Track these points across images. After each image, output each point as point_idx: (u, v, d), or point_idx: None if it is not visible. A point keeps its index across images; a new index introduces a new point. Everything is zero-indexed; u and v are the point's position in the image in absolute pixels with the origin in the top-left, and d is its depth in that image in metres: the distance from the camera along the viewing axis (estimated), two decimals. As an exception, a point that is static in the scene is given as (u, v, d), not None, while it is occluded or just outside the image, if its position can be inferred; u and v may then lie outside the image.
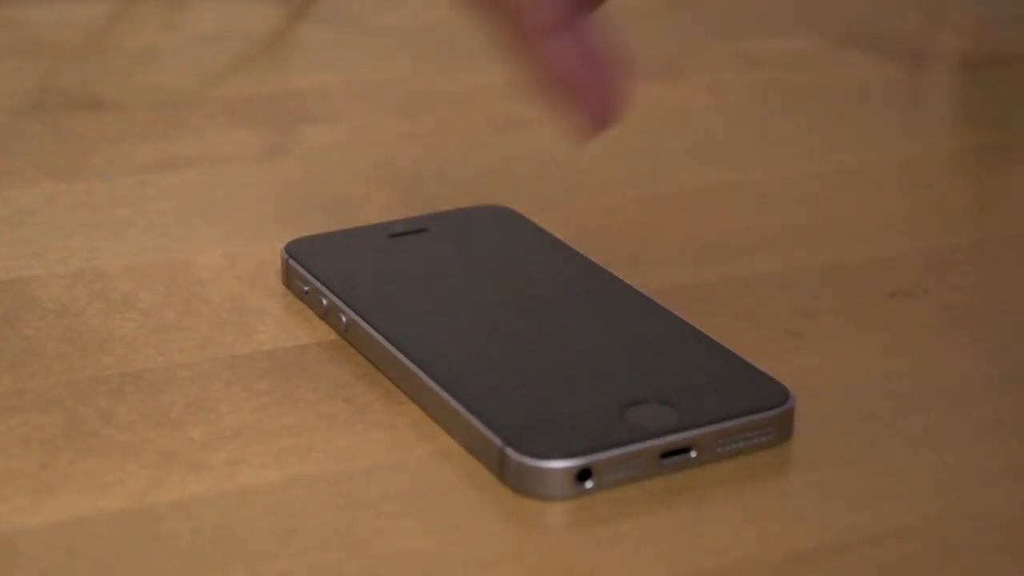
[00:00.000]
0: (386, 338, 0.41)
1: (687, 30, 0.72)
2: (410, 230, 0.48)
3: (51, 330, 0.44)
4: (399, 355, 0.41)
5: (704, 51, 0.68)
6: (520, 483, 0.36)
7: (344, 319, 0.43)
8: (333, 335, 0.44)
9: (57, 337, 0.44)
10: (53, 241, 0.50)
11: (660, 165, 0.56)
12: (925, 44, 0.71)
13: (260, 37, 0.71)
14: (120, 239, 0.50)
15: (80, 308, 0.46)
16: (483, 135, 0.59)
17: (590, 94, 0.39)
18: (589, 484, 0.36)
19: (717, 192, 0.54)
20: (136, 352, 0.43)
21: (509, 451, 0.37)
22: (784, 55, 0.69)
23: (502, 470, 0.37)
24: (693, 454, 0.37)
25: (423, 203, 0.53)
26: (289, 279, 0.46)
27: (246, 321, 0.45)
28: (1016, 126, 0.61)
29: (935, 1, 0.78)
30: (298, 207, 0.53)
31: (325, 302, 0.44)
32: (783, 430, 0.38)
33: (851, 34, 0.73)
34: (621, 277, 0.45)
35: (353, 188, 0.54)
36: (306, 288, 0.45)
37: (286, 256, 0.46)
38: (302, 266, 0.46)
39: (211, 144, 0.58)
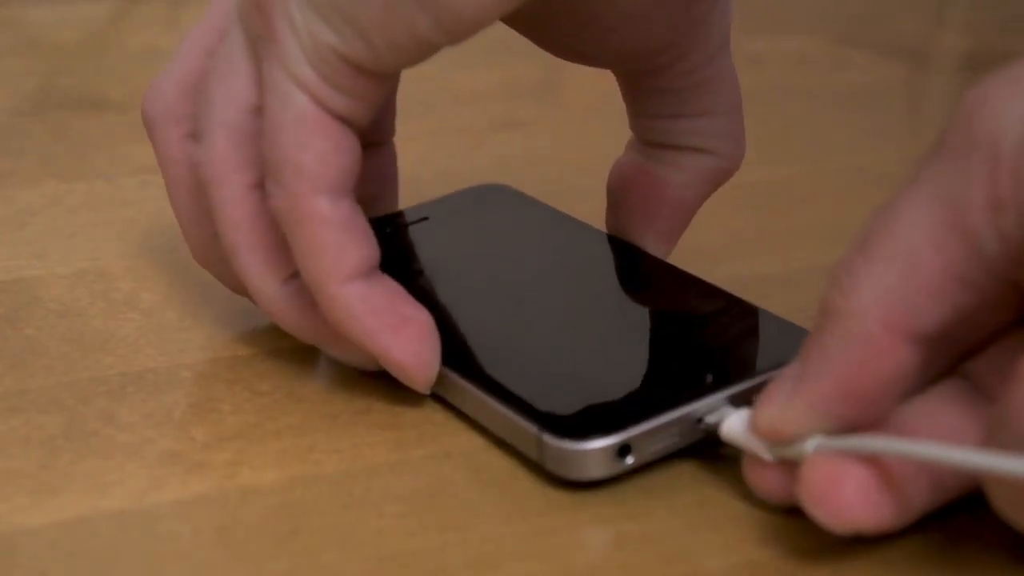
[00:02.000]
0: None
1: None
2: (412, 220, 0.48)
3: (53, 330, 0.44)
4: None
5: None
6: (561, 467, 0.36)
7: None
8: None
9: (59, 337, 0.44)
10: (55, 241, 0.50)
11: (661, 165, 0.56)
12: (926, 44, 0.71)
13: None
14: (122, 239, 0.50)
15: (82, 308, 0.46)
16: (483, 135, 0.59)
17: (390, 344, 0.38)
18: (630, 460, 0.36)
19: (717, 192, 0.54)
20: (138, 352, 0.43)
21: (546, 437, 0.36)
22: (784, 55, 0.69)
23: (542, 457, 0.36)
24: None
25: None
26: None
27: (248, 321, 0.45)
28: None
29: (935, 1, 0.78)
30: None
31: None
32: None
33: (851, 34, 0.73)
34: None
35: (354, 188, 0.54)
36: None
37: None
38: None
39: (212, 144, 0.58)
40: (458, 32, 0.36)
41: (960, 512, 0.36)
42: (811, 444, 0.33)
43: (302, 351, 0.43)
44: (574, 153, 0.57)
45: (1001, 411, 0.30)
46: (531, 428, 0.36)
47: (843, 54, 0.69)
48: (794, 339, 0.38)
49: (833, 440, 0.33)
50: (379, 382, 0.41)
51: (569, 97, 0.63)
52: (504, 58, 0.66)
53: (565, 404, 0.37)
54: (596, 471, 0.36)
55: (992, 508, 0.32)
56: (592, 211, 0.52)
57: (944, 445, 0.32)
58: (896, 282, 0.32)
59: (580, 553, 0.34)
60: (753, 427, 0.34)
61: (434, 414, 0.40)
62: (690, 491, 0.37)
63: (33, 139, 0.59)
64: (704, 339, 0.39)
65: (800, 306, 0.46)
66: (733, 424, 0.36)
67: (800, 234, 0.51)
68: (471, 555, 0.34)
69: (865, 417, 0.33)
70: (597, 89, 0.64)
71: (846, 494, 0.33)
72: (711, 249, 0.50)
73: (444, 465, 0.38)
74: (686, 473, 0.37)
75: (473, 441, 0.39)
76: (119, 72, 0.67)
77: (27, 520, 0.35)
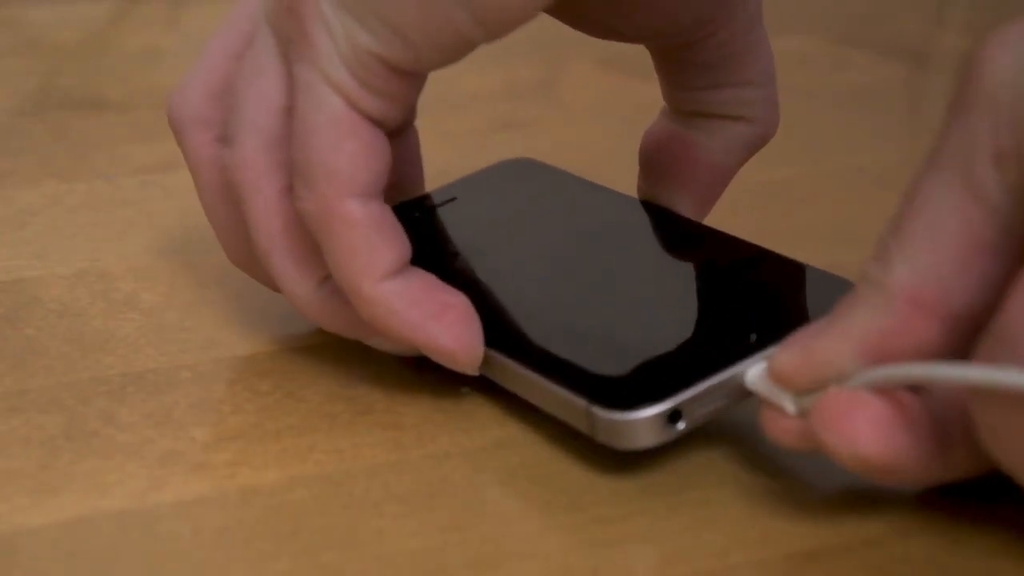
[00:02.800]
0: None
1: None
2: (440, 202, 0.47)
3: (53, 330, 0.44)
4: None
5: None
6: (613, 438, 0.36)
7: None
8: (335, 335, 0.44)
9: (59, 337, 0.44)
10: (55, 241, 0.50)
11: (661, 165, 0.56)
12: (925, 44, 0.71)
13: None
14: (122, 239, 0.50)
15: (82, 308, 0.46)
16: (484, 136, 0.59)
17: (432, 334, 0.38)
18: (681, 425, 0.36)
19: (718, 192, 0.54)
20: (138, 352, 0.43)
21: (596, 409, 0.36)
22: (784, 55, 0.69)
23: (593, 428, 0.36)
24: None
25: (424, 203, 0.53)
26: None
27: (248, 322, 0.45)
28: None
29: (936, 1, 0.78)
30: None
31: None
32: None
33: (851, 34, 0.73)
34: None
35: (354, 188, 0.54)
36: None
37: None
38: None
39: (212, 144, 0.58)
40: (498, 28, 0.36)
41: (960, 514, 0.36)
42: (844, 381, 0.34)
43: (302, 351, 0.43)
44: (574, 154, 0.57)
45: (996, 322, 0.31)
46: (580, 401, 0.36)
47: (843, 54, 0.69)
48: (839, 292, 0.37)
49: (873, 373, 0.33)
50: (380, 382, 0.41)
51: (569, 98, 0.63)
52: (505, 59, 0.66)
53: (612, 374, 0.37)
54: (648, 439, 0.35)
55: (982, 446, 0.32)
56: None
57: (939, 363, 0.32)
58: (927, 259, 0.33)
59: (580, 553, 0.34)
60: (769, 371, 0.35)
61: (434, 414, 0.40)
62: (690, 491, 0.37)
63: (33, 139, 0.59)
64: (747, 298, 0.38)
65: (800, 306, 0.46)
66: (757, 374, 0.36)
67: (800, 234, 0.51)
68: (471, 555, 0.34)
69: None
70: (597, 90, 0.64)
71: (859, 423, 0.33)
72: (711, 249, 0.50)
73: (444, 465, 0.38)
74: (686, 473, 0.37)
75: (473, 441, 0.39)
76: (119, 72, 0.67)
77: (27, 520, 0.35)
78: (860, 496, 0.36)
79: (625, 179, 0.55)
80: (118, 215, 0.52)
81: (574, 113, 0.61)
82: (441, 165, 0.56)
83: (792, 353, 0.35)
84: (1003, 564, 0.34)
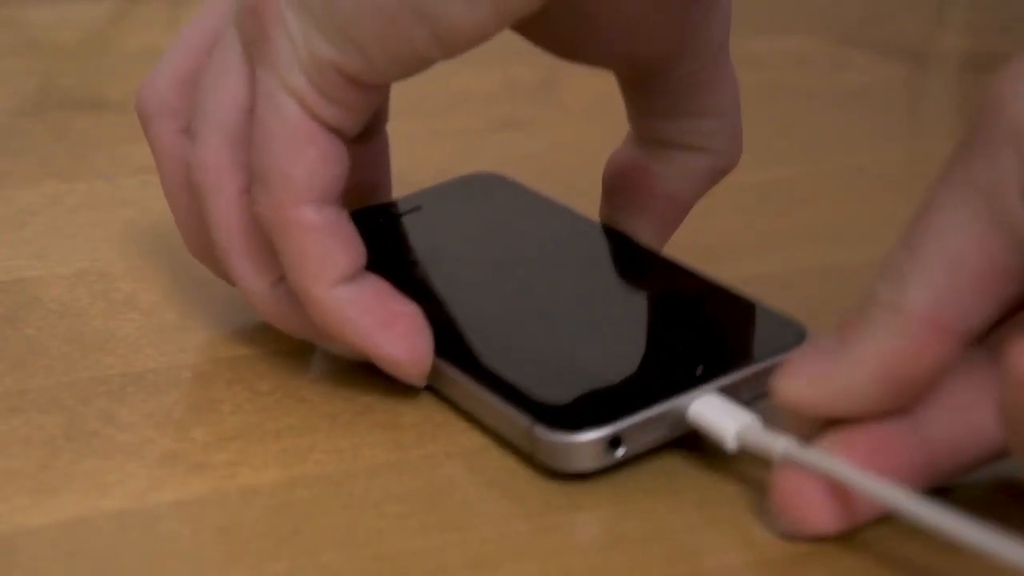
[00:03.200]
0: None
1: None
2: (405, 210, 0.47)
3: (53, 330, 0.44)
4: None
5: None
6: (553, 459, 0.36)
7: None
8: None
9: (59, 337, 0.44)
10: (55, 241, 0.50)
11: (661, 165, 0.56)
12: (926, 44, 0.71)
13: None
14: (122, 239, 0.50)
15: (82, 308, 0.46)
16: (482, 136, 0.59)
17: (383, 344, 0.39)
18: (621, 452, 0.36)
19: (717, 193, 0.54)
20: (138, 352, 0.43)
21: (538, 429, 0.36)
22: (785, 55, 0.69)
23: (533, 448, 0.37)
24: None
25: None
26: None
27: (248, 321, 0.45)
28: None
29: (936, 1, 0.78)
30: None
31: None
32: None
33: (852, 35, 0.73)
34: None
35: (354, 188, 0.54)
36: None
37: None
38: None
39: (212, 144, 0.58)
40: (455, 47, 0.36)
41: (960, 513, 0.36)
42: (779, 446, 0.34)
43: (302, 351, 0.43)
44: (573, 154, 0.57)
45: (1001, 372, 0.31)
46: (523, 419, 0.37)
47: (843, 54, 0.69)
48: (785, 331, 0.38)
49: (800, 451, 0.34)
50: (379, 381, 0.41)
51: (568, 98, 0.63)
52: (503, 58, 0.66)
53: (557, 395, 0.37)
54: (587, 463, 0.36)
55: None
56: (591, 211, 0.52)
57: (899, 489, 0.33)
58: (944, 283, 0.33)
59: (580, 553, 0.34)
60: (777, 397, 0.35)
61: (434, 414, 0.40)
62: (690, 491, 0.37)
63: (33, 139, 0.59)
64: (695, 330, 0.39)
65: (800, 306, 0.46)
66: (700, 409, 0.36)
67: (800, 234, 0.51)
68: (471, 555, 0.34)
69: (900, 401, 0.34)
70: (596, 90, 0.64)
71: (810, 506, 0.34)
72: (711, 249, 0.50)
73: (444, 465, 0.38)
74: (686, 473, 0.37)
75: (473, 441, 0.39)
76: (119, 72, 0.67)
77: (27, 520, 0.35)
78: (860, 496, 0.36)
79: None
80: (118, 215, 0.52)
81: (573, 113, 0.61)
82: (440, 165, 0.56)
83: (803, 382, 0.34)
84: (1003, 566, 0.34)
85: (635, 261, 0.43)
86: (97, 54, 0.69)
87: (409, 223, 0.47)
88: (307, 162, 0.37)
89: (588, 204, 0.52)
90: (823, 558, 0.34)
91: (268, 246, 0.39)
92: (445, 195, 0.48)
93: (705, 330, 0.39)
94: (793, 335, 0.38)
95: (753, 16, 0.74)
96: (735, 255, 0.49)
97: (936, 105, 0.63)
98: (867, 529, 0.35)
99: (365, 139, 0.44)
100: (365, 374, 0.42)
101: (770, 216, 0.52)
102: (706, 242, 0.50)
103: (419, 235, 0.46)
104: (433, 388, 0.40)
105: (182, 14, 0.75)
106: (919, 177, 0.56)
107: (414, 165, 0.56)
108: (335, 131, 0.37)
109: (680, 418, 0.37)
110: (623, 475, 0.37)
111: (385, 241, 0.45)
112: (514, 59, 0.67)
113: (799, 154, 0.57)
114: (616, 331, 0.39)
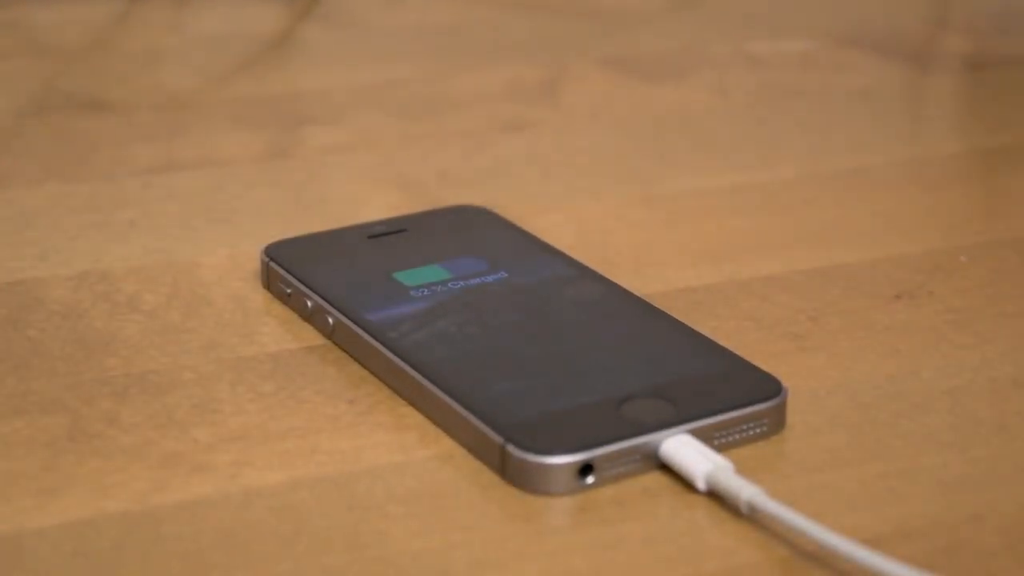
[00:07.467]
0: (375, 339, 0.41)
1: (689, 32, 0.72)
2: (390, 231, 0.48)
3: (56, 332, 0.44)
4: (392, 356, 0.41)
5: (706, 52, 0.69)
6: (522, 480, 0.37)
7: (331, 320, 0.43)
8: (336, 337, 0.44)
9: (62, 339, 0.44)
10: (57, 243, 0.50)
11: (662, 166, 0.57)
12: (927, 45, 0.71)
13: (264, 39, 0.71)
14: (124, 241, 0.51)
15: (84, 310, 0.46)
16: (484, 136, 0.59)
17: None
18: (591, 479, 0.37)
19: (720, 194, 0.54)
20: (140, 354, 0.43)
21: (510, 448, 0.37)
22: (787, 56, 0.69)
23: (504, 467, 0.37)
24: None
25: (424, 204, 0.53)
26: (270, 281, 0.46)
27: (251, 322, 0.45)
28: (1019, 127, 0.61)
29: (938, 2, 0.78)
30: (301, 208, 0.53)
31: (310, 304, 0.44)
32: (777, 422, 0.39)
33: (853, 35, 0.73)
34: (623, 279, 0.45)
35: (355, 189, 0.54)
36: (288, 290, 0.45)
37: (266, 259, 0.46)
38: (284, 268, 0.46)
39: (215, 145, 0.59)
40: None
41: (961, 514, 0.36)
42: (746, 494, 0.35)
43: (304, 352, 0.43)
44: (575, 155, 0.57)
45: None
46: (496, 438, 0.37)
47: (844, 55, 0.69)
48: (762, 384, 0.39)
49: (765, 502, 0.35)
50: (382, 383, 0.41)
51: (570, 99, 0.63)
52: (507, 60, 0.66)
53: (532, 420, 0.38)
54: (556, 487, 0.36)
55: None
56: (591, 211, 0.52)
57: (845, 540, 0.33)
58: None
59: (582, 554, 0.35)
60: None
61: (436, 415, 0.40)
62: (691, 492, 0.37)
63: (36, 140, 0.59)
64: (673, 374, 0.40)
65: (803, 308, 0.46)
66: (672, 447, 0.37)
67: (800, 234, 0.51)
68: (474, 556, 0.34)
69: None
70: (599, 91, 0.64)
71: None
72: (711, 249, 0.50)
73: (447, 466, 0.38)
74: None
75: (475, 442, 0.39)
76: (122, 73, 0.67)
77: (31, 521, 0.35)
78: (863, 497, 0.36)
79: (626, 179, 0.55)
80: (121, 216, 0.52)
81: (575, 115, 0.61)
82: (442, 165, 0.56)
83: None
84: (1003, 564, 0.34)
85: (612, 301, 0.44)
86: (100, 55, 0.69)
87: (393, 243, 0.47)
88: None
89: (590, 205, 0.53)
90: (823, 559, 0.34)
91: None
92: (432, 221, 0.49)
93: (683, 374, 0.40)
94: (769, 388, 0.39)
95: (755, 18, 0.75)
96: (735, 255, 0.49)
97: (936, 105, 0.63)
98: (868, 530, 0.35)
99: None
100: (368, 376, 0.42)
101: (770, 216, 0.52)
102: (709, 243, 0.50)
103: (402, 256, 0.47)
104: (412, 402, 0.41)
105: (184, 15, 0.75)
106: (919, 177, 0.56)
107: (417, 166, 0.56)
108: None
109: (652, 454, 0.37)
110: (624, 477, 0.37)
111: (370, 258, 0.46)
112: (517, 60, 0.67)
113: (799, 154, 0.57)
114: (594, 366, 0.40)
